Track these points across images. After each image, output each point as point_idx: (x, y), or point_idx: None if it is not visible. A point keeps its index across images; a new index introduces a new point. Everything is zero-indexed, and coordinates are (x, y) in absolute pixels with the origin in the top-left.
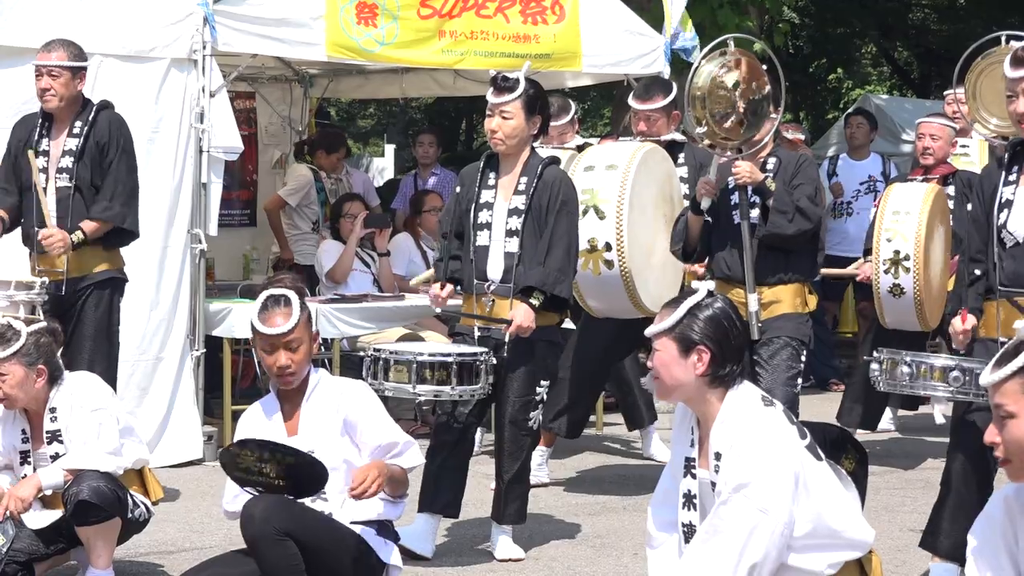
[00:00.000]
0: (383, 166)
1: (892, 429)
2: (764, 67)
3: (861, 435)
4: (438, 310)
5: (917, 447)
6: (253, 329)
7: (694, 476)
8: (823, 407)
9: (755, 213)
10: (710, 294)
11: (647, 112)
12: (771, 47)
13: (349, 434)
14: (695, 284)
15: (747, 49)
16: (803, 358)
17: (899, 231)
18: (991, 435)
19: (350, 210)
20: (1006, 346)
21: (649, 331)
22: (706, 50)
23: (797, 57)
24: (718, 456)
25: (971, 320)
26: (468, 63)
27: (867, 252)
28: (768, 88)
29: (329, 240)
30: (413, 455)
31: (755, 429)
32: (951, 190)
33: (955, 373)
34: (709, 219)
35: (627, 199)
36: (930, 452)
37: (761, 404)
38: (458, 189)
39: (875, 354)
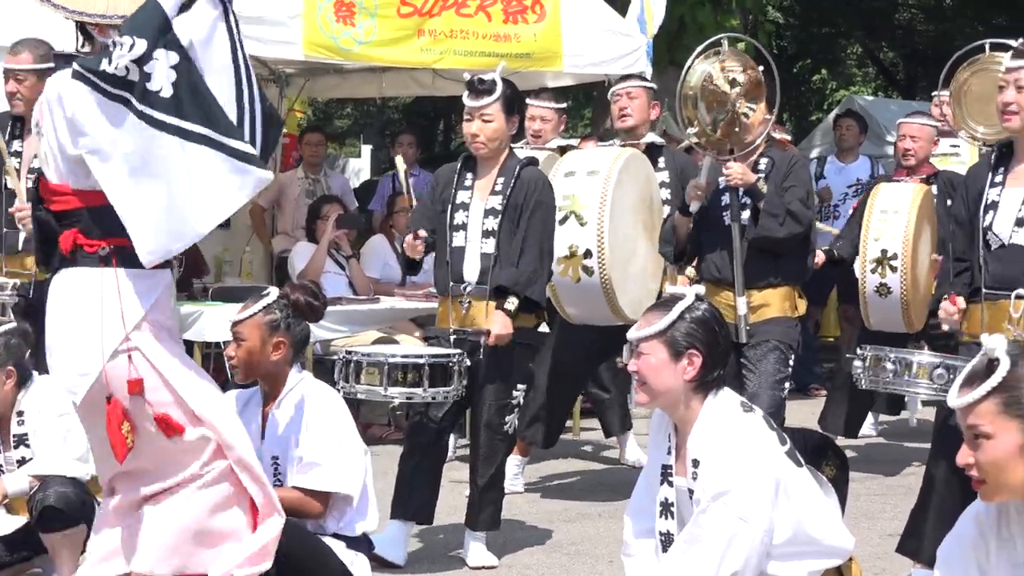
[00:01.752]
0: (359, 167)
1: (873, 435)
2: (761, 68)
3: (841, 441)
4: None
5: (898, 453)
6: None
7: (671, 484)
8: (803, 412)
9: (746, 215)
10: (698, 298)
11: (627, 88)
12: (755, 54)
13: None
14: (673, 289)
15: (735, 48)
16: (791, 363)
17: (887, 230)
18: (964, 457)
19: (328, 212)
20: (973, 365)
21: (635, 335)
22: (699, 50)
23: (781, 57)
24: (696, 463)
25: (960, 300)
26: (447, 62)
27: (829, 255)
28: (763, 89)
29: (303, 241)
30: (317, 477)
31: (734, 436)
32: (934, 189)
33: (939, 371)
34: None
35: (608, 206)
36: (911, 458)
37: (740, 410)
38: (433, 188)
39: (859, 351)
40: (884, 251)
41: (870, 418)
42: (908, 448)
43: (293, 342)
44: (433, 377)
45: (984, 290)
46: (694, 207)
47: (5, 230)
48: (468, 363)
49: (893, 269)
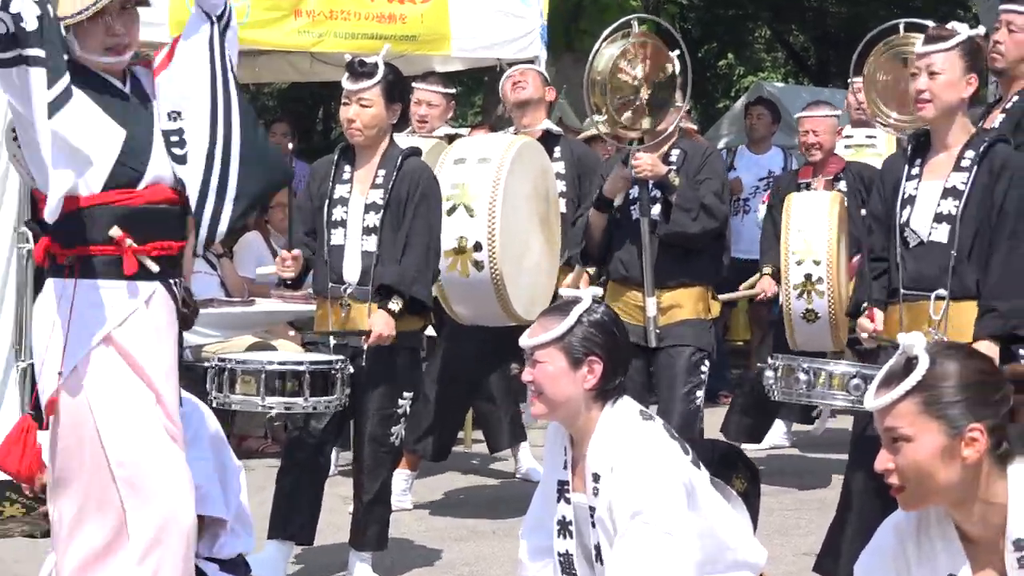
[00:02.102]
0: None
1: (787, 445)
2: (676, 52)
3: (751, 452)
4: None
5: (813, 464)
6: None
7: (568, 501)
8: (713, 420)
9: (656, 210)
10: (596, 300)
11: (520, 67)
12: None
13: None
14: (566, 292)
15: (645, 30)
16: (705, 368)
17: (807, 252)
18: (883, 462)
19: None
20: (890, 365)
21: (530, 342)
22: (607, 32)
23: (685, 41)
24: (596, 478)
25: (879, 316)
26: (327, 45)
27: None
28: (675, 75)
29: None
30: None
31: (637, 447)
32: (843, 185)
33: (856, 381)
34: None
35: (500, 196)
36: (827, 470)
37: (639, 418)
38: (310, 183)
39: (770, 360)
40: (808, 275)
41: (782, 427)
42: (823, 459)
43: None
44: (314, 386)
45: (902, 291)
46: (619, 200)
47: None
48: (351, 370)
49: (820, 294)
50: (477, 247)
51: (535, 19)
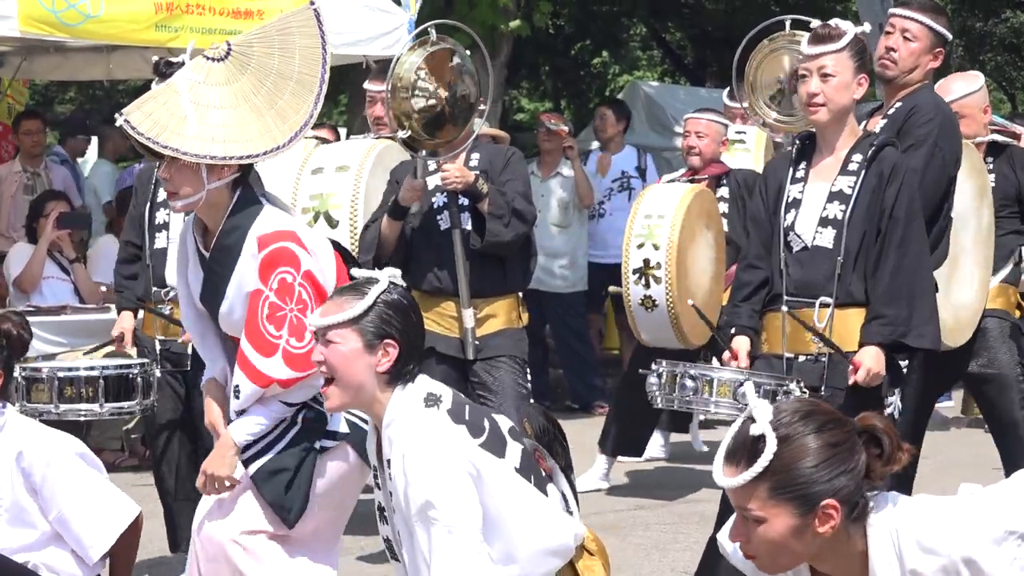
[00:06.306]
0: (86, 158)
1: (663, 457)
2: (467, 53)
3: (628, 465)
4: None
5: (690, 477)
6: None
7: (379, 487)
8: (587, 433)
9: (467, 219)
10: (393, 283)
11: (383, 93)
12: (530, 27)
13: (37, 500)
14: (364, 272)
15: (447, 36)
16: (528, 377)
17: (649, 236)
18: (736, 535)
19: (52, 209)
20: (737, 436)
21: (322, 321)
22: (410, 37)
23: (558, 38)
24: (388, 463)
25: (743, 350)
26: (183, 41)
27: None
28: (474, 80)
29: (21, 243)
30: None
31: (417, 438)
32: (725, 191)
33: (743, 389)
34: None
35: (361, 204)
36: (705, 482)
37: (422, 405)
38: (137, 188)
39: (654, 366)
40: (647, 260)
41: (659, 439)
42: (700, 472)
43: (8, 378)
44: (115, 391)
45: (785, 297)
46: (414, 208)
47: None
48: (158, 373)
49: (657, 280)
50: None
51: (402, 14)
